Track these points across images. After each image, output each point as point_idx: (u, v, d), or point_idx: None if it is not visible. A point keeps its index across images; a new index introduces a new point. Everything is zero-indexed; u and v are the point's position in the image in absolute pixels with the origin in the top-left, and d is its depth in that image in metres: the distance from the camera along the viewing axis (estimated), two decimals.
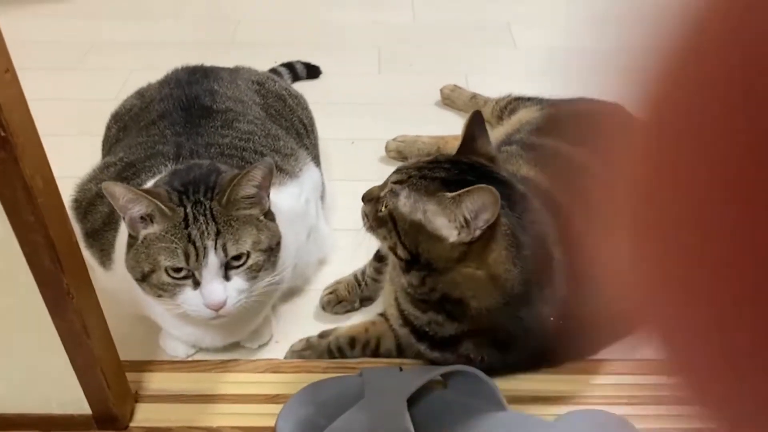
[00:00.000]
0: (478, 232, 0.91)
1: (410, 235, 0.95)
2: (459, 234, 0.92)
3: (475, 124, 1.01)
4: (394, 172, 1.00)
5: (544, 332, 0.99)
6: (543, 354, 1.06)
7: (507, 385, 1.06)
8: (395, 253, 0.98)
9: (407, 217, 0.94)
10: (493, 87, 1.77)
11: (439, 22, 2.28)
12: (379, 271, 1.22)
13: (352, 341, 1.13)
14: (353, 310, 1.23)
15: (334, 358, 1.13)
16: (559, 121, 1.32)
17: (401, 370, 1.05)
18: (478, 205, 0.89)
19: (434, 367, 1.04)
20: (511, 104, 1.56)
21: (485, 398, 1.01)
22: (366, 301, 1.24)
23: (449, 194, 0.90)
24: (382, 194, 0.98)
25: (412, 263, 0.97)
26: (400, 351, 1.12)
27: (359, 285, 1.23)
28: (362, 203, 1.02)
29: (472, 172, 0.97)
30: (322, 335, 1.15)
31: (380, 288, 1.23)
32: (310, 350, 1.14)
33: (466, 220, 0.90)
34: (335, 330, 1.16)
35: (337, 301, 1.22)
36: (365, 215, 1.01)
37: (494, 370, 1.03)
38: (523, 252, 0.94)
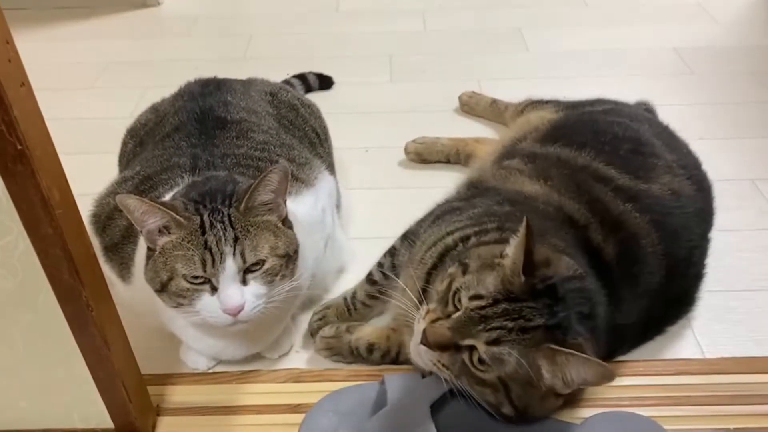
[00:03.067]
0: (574, 387, 0.88)
1: (523, 397, 0.89)
2: (557, 385, 0.88)
3: (530, 236, 0.88)
4: (471, 323, 0.87)
5: None
6: None
7: None
8: (498, 410, 0.92)
9: (521, 379, 0.87)
10: (506, 91, 1.77)
11: (450, 30, 2.29)
12: (371, 296, 1.19)
13: (371, 347, 1.12)
14: None
15: (354, 356, 1.12)
16: (568, 128, 1.29)
17: (423, 377, 1.04)
18: (584, 374, 0.85)
19: None
20: (528, 108, 1.55)
21: None
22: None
23: (559, 350, 0.85)
24: (464, 343, 0.88)
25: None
26: None
27: (348, 310, 1.19)
28: (426, 348, 0.90)
29: (557, 303, 0.88)
30: (349, 329, 1.14)
31: (371, 313, 1.20)
32: (337, 340, 1.13)
33: (568, 380, 0.87)
34: (358, 329, 1.14)
35: (327, 326, 1.16)
36: (442, 365, 0.91)
37: None
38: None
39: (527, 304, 0.86)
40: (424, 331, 0.90)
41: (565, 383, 0.87)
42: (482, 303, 0.87)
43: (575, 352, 0.83)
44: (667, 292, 1.07)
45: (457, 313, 0.89)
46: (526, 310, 0.86)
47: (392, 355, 1.12)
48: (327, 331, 1.14)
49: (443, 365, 0.90)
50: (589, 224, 1.03)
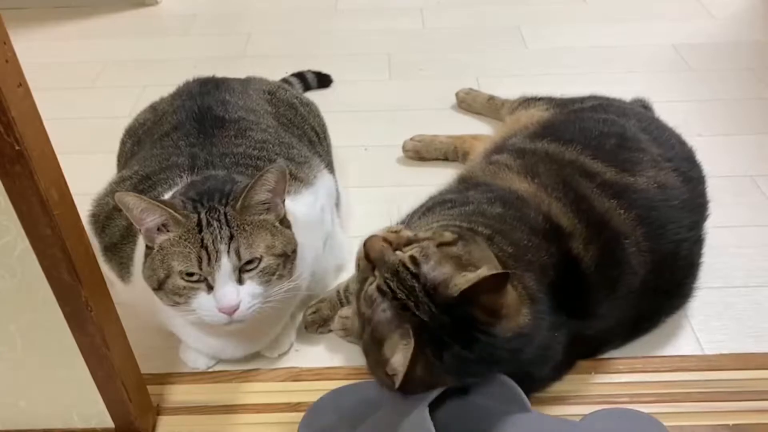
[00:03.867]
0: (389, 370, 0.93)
1: (368, 341, 0.95)
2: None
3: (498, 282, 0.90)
4: (388, 267, 0.93)
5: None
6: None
7: None
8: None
9: (374, 333, 0.93)
10: (505, 89, 1.76)
11: (448, 27, 2.28)
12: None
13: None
14: None
15: None
16: (556, 126, 1.29)
17: None
18: (393, 365, 0.90)
19: None
20: (522, 105, 1.55)
21: (507, 401, 0.99)
22: None
23: (408, 335, 0.89)
24: (374, 271, 0.96)
25: None
26: None
27: (341, 303, 1.20)
28: (359, 248, 1.00)
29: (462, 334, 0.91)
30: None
31: None
32: (352, 321, 1.13)
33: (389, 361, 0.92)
34: (347, 311, 1.15)
35: (321, 320, 1.19)
36: (357, 265, 1.02)
37: None
38: None
39: (431, 306, 0.89)
40: (372, 235, 0.97)
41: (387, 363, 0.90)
42: (410, 267, 0.91)
43: (410, 346, 0.86)
44: (655, 287, 1.07)
45: (397, 252, 0.94)
46: (424, 305, 0.89)
47: None
48: (344, 311, 1.16)
49: (358, 265, 1.00)
50: (574, 230, 1.03)
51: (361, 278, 0.97)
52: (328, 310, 1.19)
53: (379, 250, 0.95)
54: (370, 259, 0.96)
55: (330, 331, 1.19)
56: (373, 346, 0.93)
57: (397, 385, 0.89)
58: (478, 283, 0.86)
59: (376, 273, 0.94)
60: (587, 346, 1.08)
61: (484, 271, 0.88)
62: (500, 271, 0.89)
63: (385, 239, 0.96)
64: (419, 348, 0.87)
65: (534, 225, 1.04)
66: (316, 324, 1.19)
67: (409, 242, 0.96)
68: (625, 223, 1.05)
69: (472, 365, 0.91)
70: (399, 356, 0.88)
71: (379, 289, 0.92)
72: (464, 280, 0.88)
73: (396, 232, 0.99)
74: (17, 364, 0.93)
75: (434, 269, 0.91)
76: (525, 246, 1.00)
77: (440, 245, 0.94)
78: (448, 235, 0.96)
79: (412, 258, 0.92)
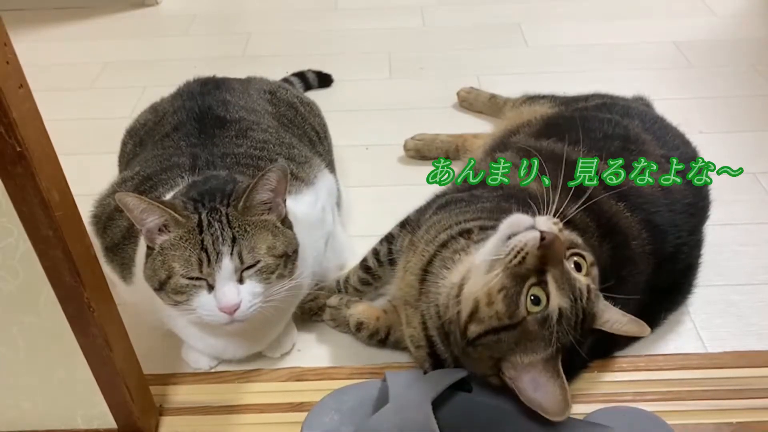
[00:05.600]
0: (513, 383, 0.91)
1: (496, 345, 0.89)
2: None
3: None
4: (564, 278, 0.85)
5: None
6: None
7: None
8: (466, 326, 0.90)
9: (517, 335, 0.87)
10: (506, 87, 1.76)
11: (448, 26, 2.28)
12: (365, 282, 1.21)
13: (359, 326, 1.13)
14: None
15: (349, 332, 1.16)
16: (560, 125, 1.29)
17: (425, 373, 1.04)
18: (542, 393, 0.88)
19: (458, 370, 1.03)
20: (525, 102, 1.55)
21: (510, 399, 0.99)
22: None
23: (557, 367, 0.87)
24: (546, 272, 0.85)
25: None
26: None
27: (339, 293, 1.22)
28: (533, 235, 0.85)
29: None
30: (348, 303, 1.17)
31: (362, 298, 1.22)
32: (338, 312, 1.17)
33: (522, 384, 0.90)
34: (354, 305, 1.15)
35: (317, 308, 1.20)
36: (519, 251, 0.86)
37: None
38: None
39: (578, 334, 0.86)
40: (553, 233, 0.84)
41: (517, 382, 0.88)
42: (585, 305, 0.86)
43: (561, 375, 0.84)
44: (654, 286, 1.07)
45: (579, 277, 0.87)
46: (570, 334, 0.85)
47: (381, 336, 1.13)
48: (332, 300, 1.18)
49: (520, 250, 0.84)
50: (587, 228, 1.03)
51: (515, 273, 0.85)
52: (325, 299, 1.20)
53: (560, 252, 0.84)
54: (548, 258, 0.84)
55: (324, 320, 1.20)
56: (508, 349, 0.88)
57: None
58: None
59: (550, 281, 0.84)
60: (601, 345, 1.04)
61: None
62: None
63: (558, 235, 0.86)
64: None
65: None
66: (312, 311, 1.20)
67: (572, 245, 0.89)
68: (631, 225, 1.05)
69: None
70: (551, 397, 0.86)
71: (561, 311, 0.84)
72: (614, 318, 0.88)
73: (561, 230, 0.88)
74: (20, 365, 0.93)
75: (593, 306, 0.88)
76: None
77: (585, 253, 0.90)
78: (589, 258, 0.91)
79: (590, 289, 0.87)
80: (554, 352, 0.86)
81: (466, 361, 0.95)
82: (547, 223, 0.86)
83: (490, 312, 0.86)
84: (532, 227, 0.86)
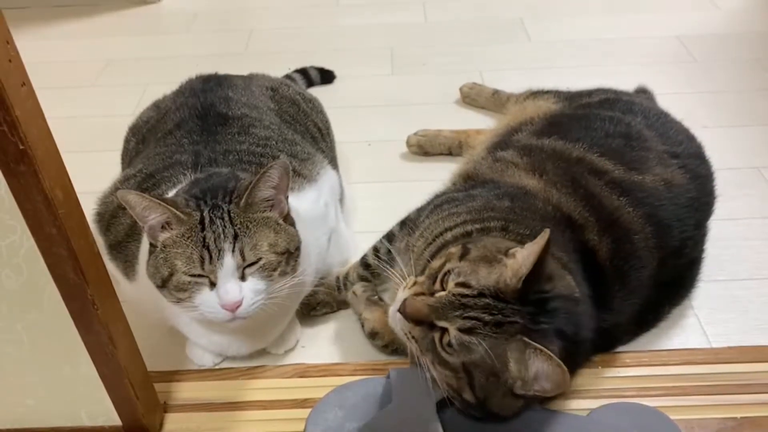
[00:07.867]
0: (531, 394, 0.87)
1: (485, 387, 0.88)
2: (516, 384, 0.87)
3: (547, 249, 0.87)
4: (449, 307, 0.87)
5: None
6: None
7: None
8: (459, 395, 0.90)
9: (486, 368, 0.86)
10: (509, 82, 1.76)
11: (451, 21, 2.28)
12: (363, 279, 1.21)
13: (374, 334, 1.13)
14: (331, 312, 1.22)
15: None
16: (562, 122, 1.28)
17: None
18: (545, 374, 0.84)
19: None
20: (529, 97, 1.55)
21: None
22: (344, 304, 1.22)
23: (530, 342, 0.83)
24: (438, 324, 0.88)
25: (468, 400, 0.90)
26: None
27: (339, 290, 1.21)
28: (400, 315, 0.91)
29: (543, 314, 0.87)
30: (369, 300, 1.17)
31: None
32: (359, 306, 1.17)
33: (528, 377, 0.85)
34: (370, 310, 1.15)
35: (316, 303, 1.20)
36: (412, 337, 0.91)
37: None
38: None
39: (513, 306, 0.86)
40: (405, 300, 0.91)
41: (524, 382, 0.86)
42: (466, 291, 0.87)
43: (544, 349, 0.82)
44: (658, 280, 1.07)
45: (440, 293, 0.89)
46: (508, 309, 0.85)
47: (394, 347, 1.12)
48: (357, 288, 1.18)
49: (413, 337, 0.91)
50: (587, 224, 1.03)
51: (424, 347, 0.89)
52: (324, 294, 1.20)
53: (422, 306, 0.89)
54: (421, 320, 0.89)
55: (324, 314, 1.21)
56: (492, 384, 0.87)
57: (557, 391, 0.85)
58: (530, 260, 0.84)
59: (441, 324, 0.87)
60: (603, 340, 1.04)
61: (524, 249, 0.87)
62: (545, 240, 0.85)
63: (414, 295, 0.91)
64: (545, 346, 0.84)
65: (544, 214, 1.04)
66: (311, 306, 1.20)
67: (432, 281, 0.92)
68: (634, 220, 1.05)
69: (570, 339, 0.88)
70: (539, 365, 0.84)
71: (462, 330, 0.85)
72: (513, 267, 0.86)
73: (413, 284, 0.94)
74: (24, 362, 0.93)
75: (483, 278, 0.87)
76: (541, 229, 0.94)
77: (461, 260, 0.91)
78: (455, 251, 0.93)
79: (459, 284, 0.88)
80: (523, 328, 0.85)
81: None
82: (402, 293, 0.93)
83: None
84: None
